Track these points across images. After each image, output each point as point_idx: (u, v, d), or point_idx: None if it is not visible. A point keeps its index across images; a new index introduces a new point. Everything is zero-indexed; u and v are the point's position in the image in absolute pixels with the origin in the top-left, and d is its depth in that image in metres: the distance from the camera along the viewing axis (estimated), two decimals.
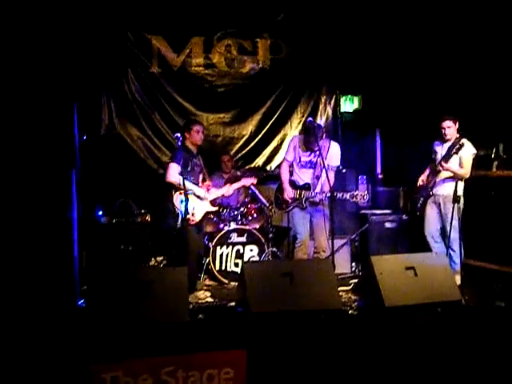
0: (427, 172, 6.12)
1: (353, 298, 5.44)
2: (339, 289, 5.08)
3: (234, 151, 7.95)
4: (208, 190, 6.06)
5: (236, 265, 6.40)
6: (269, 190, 7.18)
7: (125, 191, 6.88)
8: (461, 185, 5.63)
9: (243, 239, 6.51)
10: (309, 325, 4.23)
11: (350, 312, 4.87)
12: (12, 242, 4.62)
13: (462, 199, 5.58)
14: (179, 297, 4.28)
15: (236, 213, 6.69)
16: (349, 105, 8.39)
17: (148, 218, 6.60)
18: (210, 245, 6.36)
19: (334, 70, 8.16)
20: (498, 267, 5.93)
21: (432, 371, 3.83)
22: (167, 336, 3.86)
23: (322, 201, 5.81)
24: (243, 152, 8.06)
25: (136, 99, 7.59)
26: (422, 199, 6.03)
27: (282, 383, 3.66)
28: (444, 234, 5.86)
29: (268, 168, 8.13)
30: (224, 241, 6.44)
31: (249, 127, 8.08)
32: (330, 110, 8.37)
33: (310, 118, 6.26)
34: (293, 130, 8.18)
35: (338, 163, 5.97)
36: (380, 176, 8.38)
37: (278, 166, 7.72)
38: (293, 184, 5.98)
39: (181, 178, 5.41)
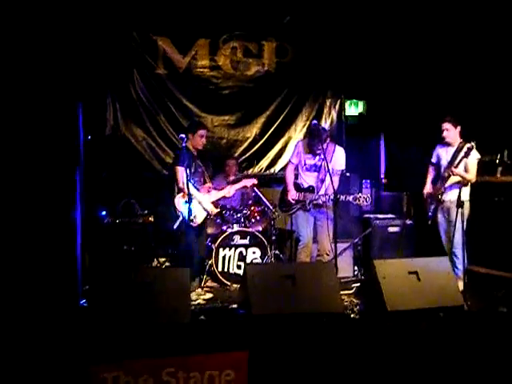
0: (431, 177, 6.07)
1: (355, 301, 5.42)
2: (341, 292, 5.07)
3: (238, 153, 7.96)
4: (209, 191, 6.07)
5: (238, 267, 6.39)
6: (273, 192, 7.19)
7: (128, 192, 6.89)
8: (465, 190, 5.61)
9: (246, 241, 6.50)
10: (310, 328, 4.22)
11: (352, 316, 4.86)
12: (15, 242, 4.62)
13: (466, 204, 5.58)
14: (181, 298, 4.27)
15: (239, 215, 6.70)
16: (353, 109, 8.42)
17: (151, 218, 6.61)
18: (213, 246, 6.36)
19: (339, 74, 8.18)
20: (501, 273, 5.91)
21: (434, 376, 3.82)
22: (168, 337, 3.85)
23: (325, 203, 5.82)
24: (247, 154, 8.07)
25: (141, 100, 7.60)
26: (432, 207, 5.94)
27: None
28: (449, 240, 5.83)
29: (272, 171, 8.13)
30: (227, 243, 6.44)
31: (253, 130, 8.09)
32: (334, 114, 8.38)
33: (315, 121, 6.26)
34: (297, 133, 8.19)
35: (343, 167, 6.00)
36: (384, 180, 8.37)
37: (282, 169, 7.76)
38: (297, 187, 6.03)
39: (185, 181, 5.42)
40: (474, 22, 6.61)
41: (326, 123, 8.22)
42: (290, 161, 6.22)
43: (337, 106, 8.38)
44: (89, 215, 5.79)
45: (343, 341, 4.07)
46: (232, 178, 7.26)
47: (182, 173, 5.63)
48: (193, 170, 5.83)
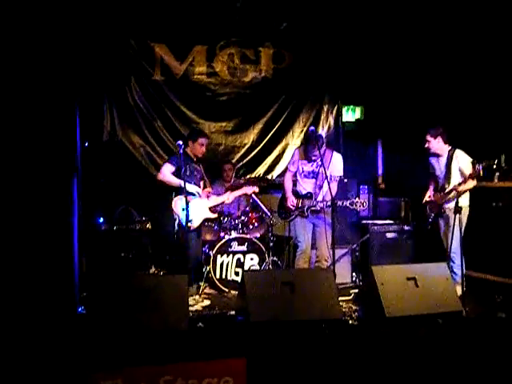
0: (432, 186, 6.06)
1: (353, 308, 5.42)
2: (340, 299, 5.06)
3: (235, 160, 7.96)
4: (208, 196, 6.06)
5: (236, 273, 6.38)
6: (271, 198, 7.20)
7: (126, 198, 6.88)
8: (464, 196, 5.62)
9: (244, 248, 6.49)
10: (309, 334, 4.21)
11: (350, 322, 4.85)
12: (12, 248, 4.61)
13: (465, 210, 5.59)
14: (179, 305, 4.27)
15: (237, 221, 6.68)
16: (351, 115, 8.42)
17: (148, 225, 6.60)
18: (211, 253, 6.34)
19: (337, 80, 8.20)
20: (500, 279, 5.91)
21: (433, 382, 3.81)
22: (166, 344, 3.84)
23: (323, 209, 5.82)
24: (245, 161, 8.08)
25: (138, 106, 7.61)
26: (432, 215, 5.96)
27: None
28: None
29: (270, 177, 8.13)
30: (224, 249, 6.42)
31: (250, 136, 8.09)
32: (331, 120, 8.39)
33: (312, 128, 6.28)
34: (295, 139, 8.20)
35: (341, 174, 6.00)
36: (381, 186, 8.37)
37: (280, 175, 7.77)
38: (296, 193, 6.06)
39: (173, 177, 5.45)
40: (469, 29, 6.63)
41: (323, 129, 8.22)
42: (287, 168, 6.26)
43: (334, 112, 8.38)
44: (86, 222, 5.78)
45: (342, 347, 4.06)
46: (229, 181, 7.28)
47: (165, 167, 5.80)
48: (188, 173, 5.83)
